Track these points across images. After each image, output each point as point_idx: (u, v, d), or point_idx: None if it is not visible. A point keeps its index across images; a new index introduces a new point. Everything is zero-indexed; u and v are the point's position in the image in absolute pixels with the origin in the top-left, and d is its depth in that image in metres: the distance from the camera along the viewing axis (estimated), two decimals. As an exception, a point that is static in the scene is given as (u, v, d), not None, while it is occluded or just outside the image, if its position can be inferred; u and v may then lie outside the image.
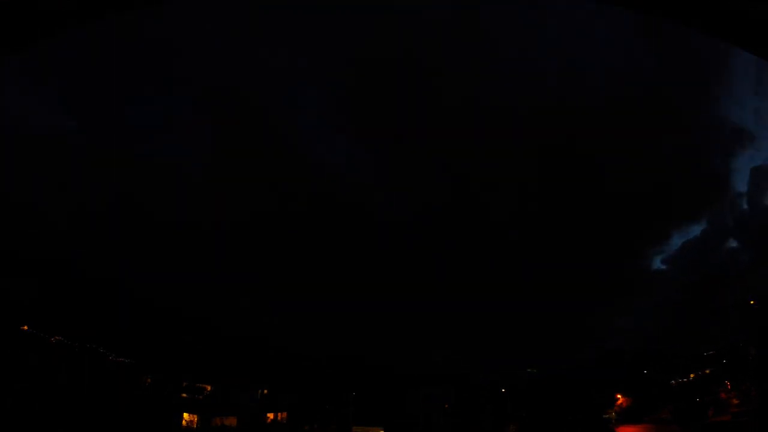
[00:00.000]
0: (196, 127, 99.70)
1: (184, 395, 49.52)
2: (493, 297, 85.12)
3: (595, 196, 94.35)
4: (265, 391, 55.48)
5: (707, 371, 56.08)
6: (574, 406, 60.59)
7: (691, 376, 57.29)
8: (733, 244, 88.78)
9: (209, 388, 51.42)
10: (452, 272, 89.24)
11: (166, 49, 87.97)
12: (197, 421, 48.29)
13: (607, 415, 58.93)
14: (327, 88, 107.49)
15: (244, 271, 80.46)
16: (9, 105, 72.04)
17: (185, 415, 48.46)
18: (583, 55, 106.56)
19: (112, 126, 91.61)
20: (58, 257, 53.28)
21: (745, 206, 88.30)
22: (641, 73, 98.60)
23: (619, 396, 59.76)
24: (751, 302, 53.04)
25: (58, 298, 45.92)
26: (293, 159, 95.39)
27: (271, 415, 54.56)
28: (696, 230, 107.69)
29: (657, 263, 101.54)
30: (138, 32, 79.22)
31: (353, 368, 64.82)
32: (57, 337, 41.36)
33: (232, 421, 50.13)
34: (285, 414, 56.00)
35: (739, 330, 54.84)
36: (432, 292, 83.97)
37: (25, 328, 39.97)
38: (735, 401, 50.06)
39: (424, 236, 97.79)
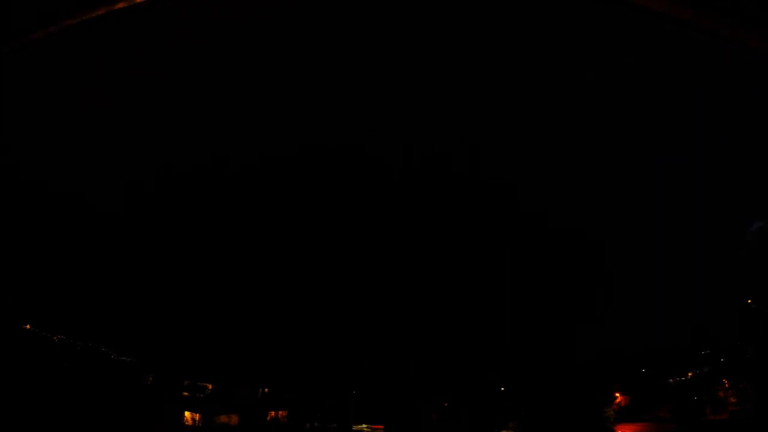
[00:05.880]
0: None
1: (186, 394, 49.82)
2: (491, 296, 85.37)
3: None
4: (266, 390, 55.70)
5: (705, 370, 56.31)
6: (573, 404, 60.83)
7: (689, 374, 57.48)
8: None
9: (210, 386, 51.66)
10: (452, 271, 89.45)
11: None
12: (199, 419, 48.58)
13: (606, 414, 59.17)
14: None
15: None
16: None
17: (186, 413, 48.74)
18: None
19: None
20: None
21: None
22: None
23: (617, 394, 60.00)
24: (749, 301, 53.33)
25: (61, 296, 46.05)
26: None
27: (272, 413, 54.79)
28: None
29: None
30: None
31: (353, 367, 64.98)
32: (59, 336, 41.54)
33: (233, 419, 50.44)
34: (285, 412, 56.19)
35: (736, 329, 55.11)
36: (432, 291, 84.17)
37: (28, 326, 40.15)
38: (732, 400, 50.36)
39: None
